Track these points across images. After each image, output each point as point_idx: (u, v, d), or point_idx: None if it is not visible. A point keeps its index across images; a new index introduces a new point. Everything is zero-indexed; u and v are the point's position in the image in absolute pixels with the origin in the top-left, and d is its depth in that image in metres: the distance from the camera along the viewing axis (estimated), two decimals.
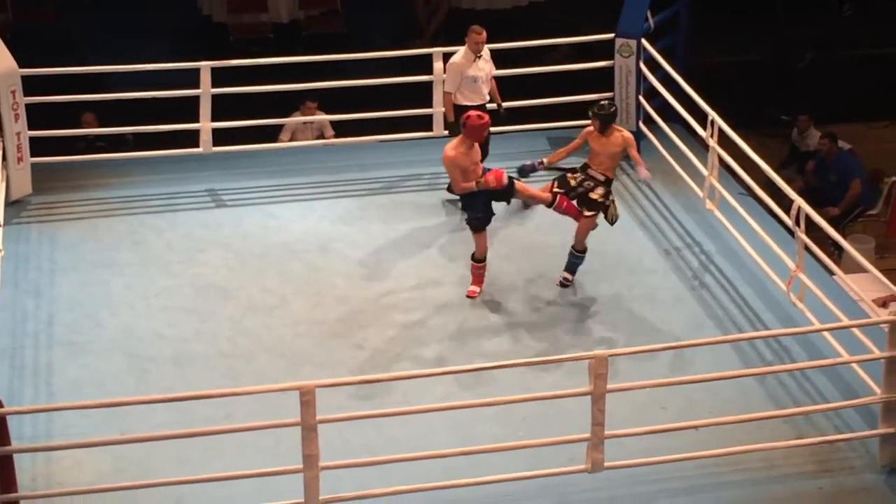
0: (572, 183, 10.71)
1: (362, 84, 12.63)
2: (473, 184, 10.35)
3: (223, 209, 12.13)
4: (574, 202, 10.69)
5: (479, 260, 10.71)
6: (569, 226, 10.76)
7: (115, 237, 11.61)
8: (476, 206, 10.51)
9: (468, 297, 10.71)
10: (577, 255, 10.88)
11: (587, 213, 10.68)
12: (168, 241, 11.57)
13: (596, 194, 10.67)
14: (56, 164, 12.46)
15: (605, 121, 10.60)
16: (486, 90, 11.79)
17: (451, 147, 10.36)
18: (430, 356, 10.03)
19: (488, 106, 11.78)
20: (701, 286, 11.00)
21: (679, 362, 9.71)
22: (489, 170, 10.42)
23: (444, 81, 11.76)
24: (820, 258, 10.25)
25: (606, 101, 11.13)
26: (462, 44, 11.74)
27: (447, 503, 8.49)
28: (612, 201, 10.74)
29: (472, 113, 10.43)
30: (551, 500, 8.59)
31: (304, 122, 13.36)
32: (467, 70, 11.61)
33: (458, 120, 10.97)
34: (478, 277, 10.78)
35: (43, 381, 9.68)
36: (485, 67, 11.73)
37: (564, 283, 10.93)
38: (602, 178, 10.70)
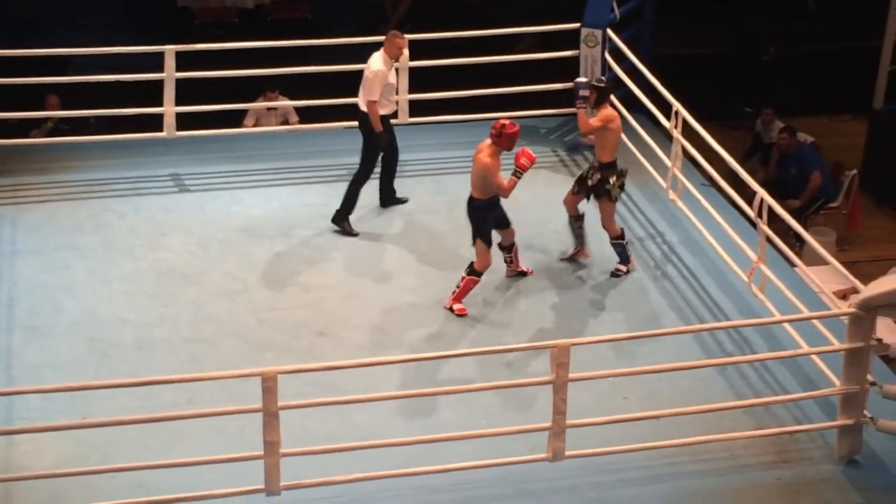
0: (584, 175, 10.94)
1: (327, 70, 12.60)
2: (515, 179, 10.05)
3: (187, 194, 12.09)
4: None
5: (479, 273, 10.36)
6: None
7: (78, 221, 11.55)
8: (489, 218, 10.26)
9: (458, 315, 10.33)
10: (616, 244, 10.93)
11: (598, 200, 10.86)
12: (131, 226, 11.52)
13: (593, 180, 10.83)
14: (18, 147, 12.40)
15: (601, 95, 10.74)
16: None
17: (488, 154, 10.02)
18: (392, 343, 10.02)
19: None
20: (663, 276, 11.04)
21: (641, 352, 9.74)
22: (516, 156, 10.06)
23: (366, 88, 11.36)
24: (782, 250, 10.31)
25: (599, 78, 11.22)
26: (428, 31, 11.66)
27: (408, 490, 8.50)
28: (613, 183, 10.79)
29: (507, 121, 10.05)
30: (512, 488, 8.61)
31: (269, 108, 13.33)
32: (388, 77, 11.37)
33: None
34: (467, 292, 10.41)
35: (2, 365, 9.62)
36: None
37: (616, 274, 10.95)
38: (597, 163, 10.84)
